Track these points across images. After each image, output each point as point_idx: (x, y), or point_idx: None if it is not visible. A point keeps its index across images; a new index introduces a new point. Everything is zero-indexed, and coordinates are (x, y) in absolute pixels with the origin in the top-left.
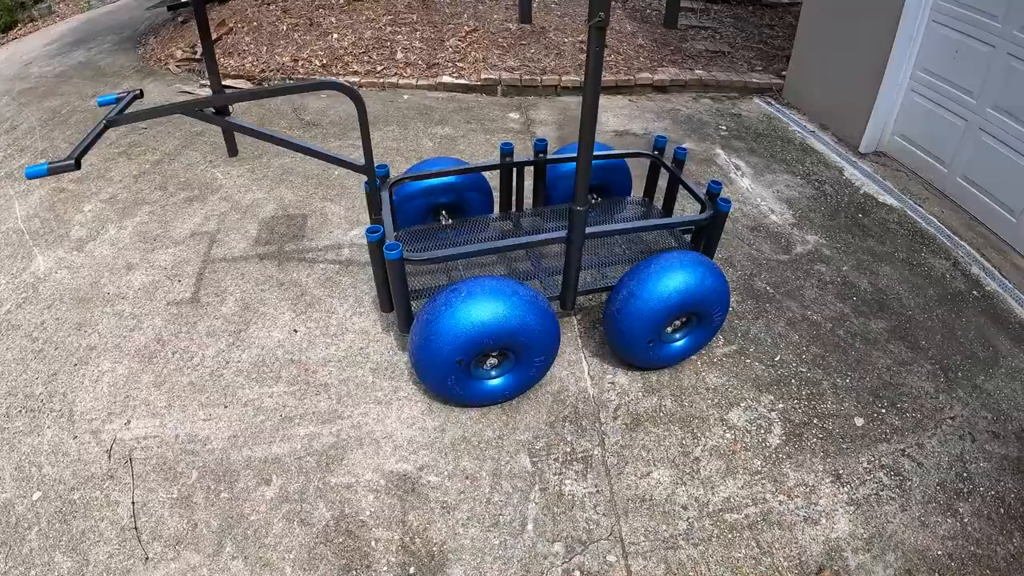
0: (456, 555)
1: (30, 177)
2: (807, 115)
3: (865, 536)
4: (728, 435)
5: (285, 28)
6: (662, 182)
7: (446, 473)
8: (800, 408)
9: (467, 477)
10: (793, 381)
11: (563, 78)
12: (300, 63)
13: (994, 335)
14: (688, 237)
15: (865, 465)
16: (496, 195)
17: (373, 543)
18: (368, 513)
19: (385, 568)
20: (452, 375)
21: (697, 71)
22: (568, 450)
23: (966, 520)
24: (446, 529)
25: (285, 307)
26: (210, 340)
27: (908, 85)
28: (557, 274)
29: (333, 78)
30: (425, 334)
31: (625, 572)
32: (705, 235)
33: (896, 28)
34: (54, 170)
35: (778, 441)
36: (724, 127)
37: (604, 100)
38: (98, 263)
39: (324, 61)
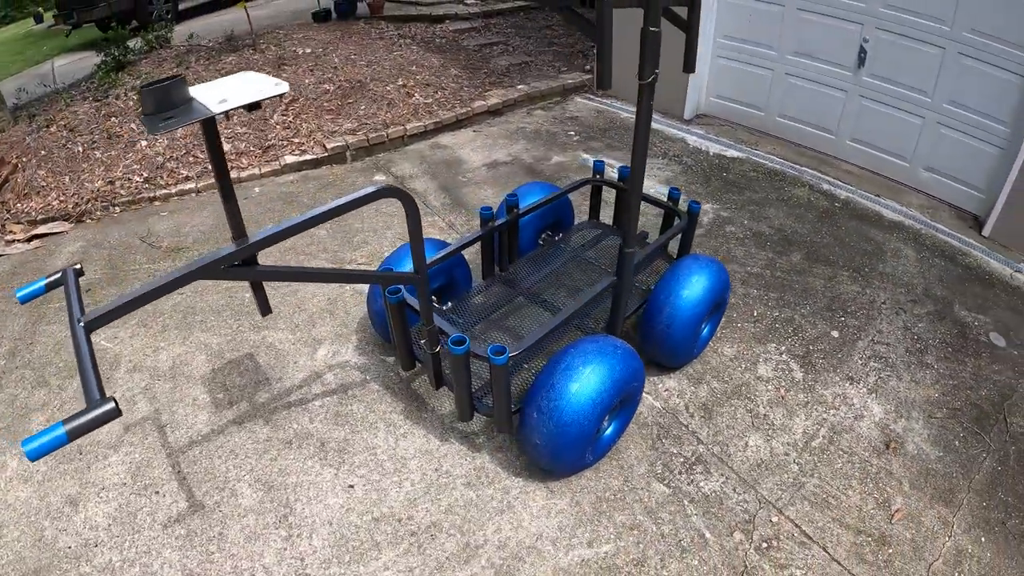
0: None
1: (42, 454)
2: (625, 100)
3: (892, 409)
4: (770, 387)
5: (81, 149)
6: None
7: (613, 536)
8: (795, 343)
9: (631, 528)
10: (777, 326)
11: (407, 126)
12: (118, 184)
13: (867, 231)
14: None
15: (859, 362)
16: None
17: None
18: None
19: None
20: (589, 446)
21: (519, 86)
22: (682, 460)
23: (936, 366)
24: (673, 567)
25: (315, 467)
26: (259, 546)
27: (713, 52)
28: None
29: (382, 183)
30: (557, 421)
31: (788, 522)
32: (683, 237)
33: None
34: (80, 430)
35: (801, 374)
36: (571, 132)
37: (450, 137)
38: (23, 514)
39: (146, 174)
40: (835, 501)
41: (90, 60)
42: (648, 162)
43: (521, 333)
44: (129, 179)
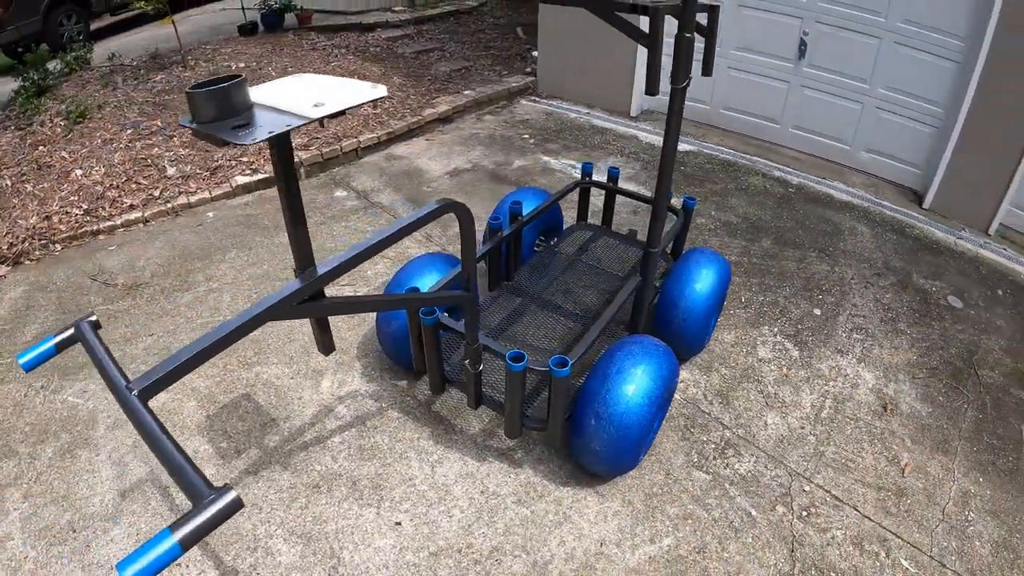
0: (744, 573)
1: (152, 574)
2: (571, 100)
3: (881, 375)
4: (772, 367)
5: (10, 183)
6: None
7: (670, 528)
8: (785, 324)
9: (685, 518)
10: (764, 310)
11: (361, 139)
12: (56, 219)
13: (823, 212)
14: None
15: (843, 336)
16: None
17: None
18: None
19: None
20: (644, 445)
21: (466, 92)
22: (713, 446)
23: (908, 331)
24: (720, 566)
25: (353, 508)
26: None
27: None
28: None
29: (445, 199)
30: (618, 424)
31: (819, 490)
32: (679, 233)
33: None
34: (196, 536)
35: (796, 352)
36: (526, 135)
37: (405, 147)
38: None
39: (86, 206)
40: (853, 464)
41: (2, 87)
42: (606, 160)
43: (548, 344)
44: (67, 212)
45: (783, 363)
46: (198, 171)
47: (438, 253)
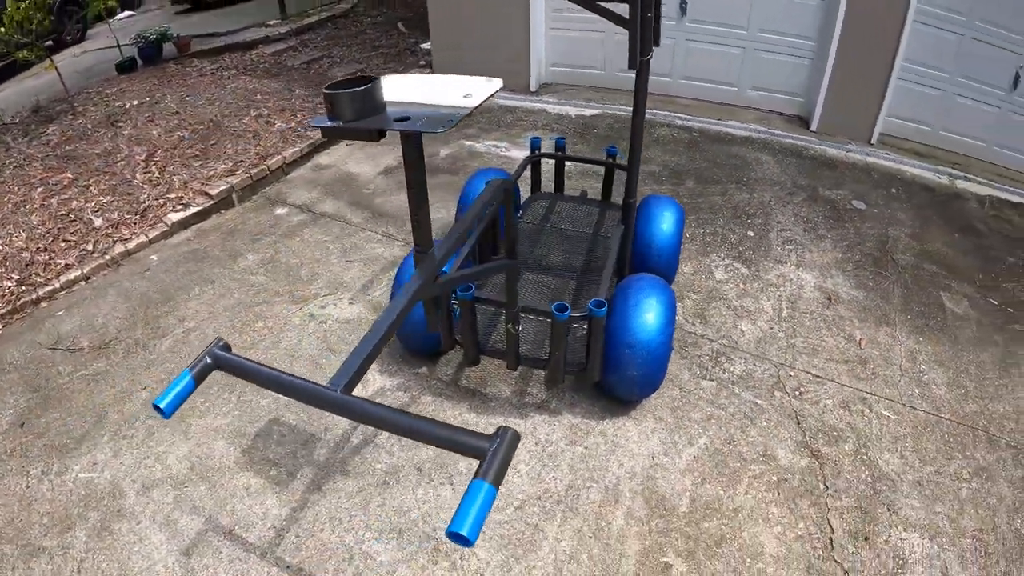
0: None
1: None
2: None
3: (818, 274)
4: (730, 285)
5: None
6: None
7: (700, 431)
8: (728, 249)
9: (708, 419)
10: (708, 239)
11: (285, 154)
12: None
13: (728, 149)
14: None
15: (778, 249)
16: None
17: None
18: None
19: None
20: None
21: None
22: (708, 358)
23: (828, 235)
24: (750, 449)
25: (428, 492)
26: None
27: (547, 25)
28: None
29: (494, 180)
30: (647, 347)
31: (802, 372)
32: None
33: None
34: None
35: (745, 269)
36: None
37: (327, 156)
38: None
39: (17, 275)
40: (820, 347)
41: None
42: (524, 135)
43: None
44: None
45: (738, 280)
46: (127, 216)
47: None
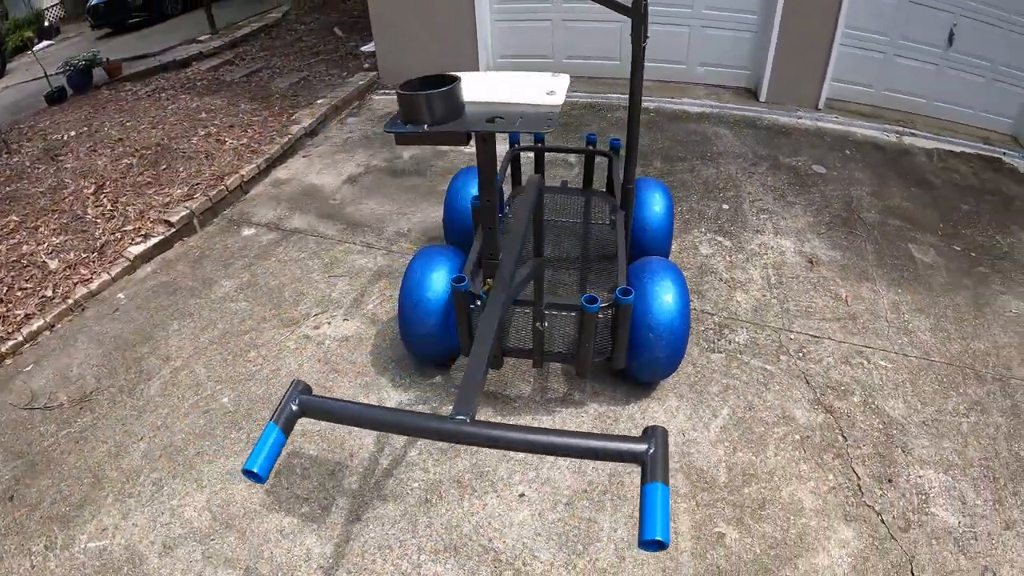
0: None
1: None
2: None
3: (795, 239)
4: (717, 258)
5: None
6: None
7: (720, 402)
8: (708, 223)
9: (726, 391)
10: (687, 216)
11: (243, 172)
12: None
13: (686, 126)
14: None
15: (754, 219)
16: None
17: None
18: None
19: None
20: None
21: (319, 101)
22: (712, 331)
23: (797, 201)
24: (769, 413)
25: (474, 503)
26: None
27: (492, 17)
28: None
29: (530, 176)
30: (670, 328)
31: (800, 335)
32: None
33: None
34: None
35: (728, 242)
36: None
37: (285, 170)
38: None
39: None
40: (812, 309)
41: None
42: None
43: (565, 291)
44: None
45: (724, 253)
46: (84, 255)
47: (452, 248)
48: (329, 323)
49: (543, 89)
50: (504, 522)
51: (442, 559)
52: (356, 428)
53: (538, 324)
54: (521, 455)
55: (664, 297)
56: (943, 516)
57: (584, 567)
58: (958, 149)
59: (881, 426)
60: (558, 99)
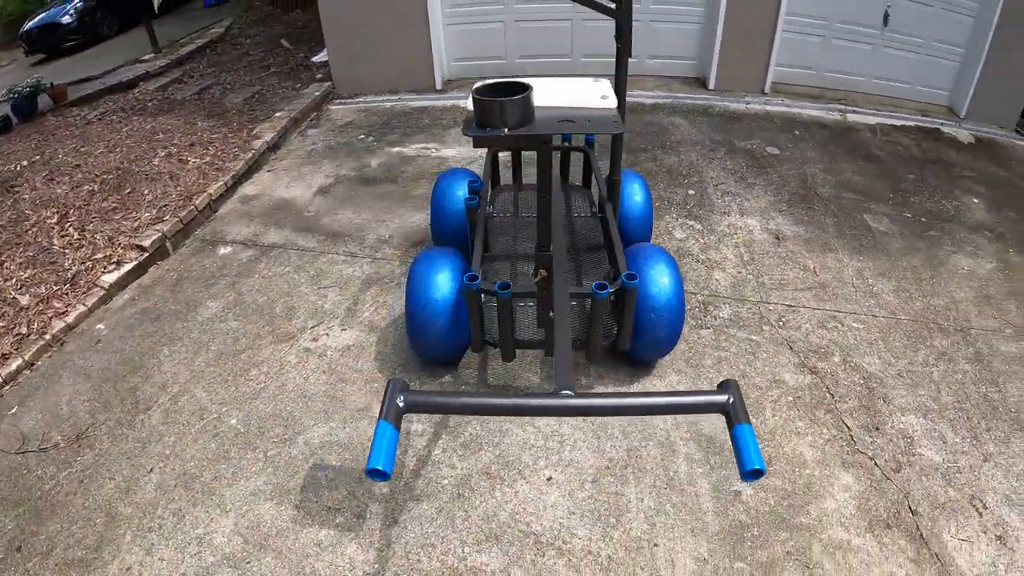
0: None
1: None
2: (375, 92)
3: (760, 217)
4: (691, 241)
5: None
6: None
7: (715, 374)
8: (678, 209)
9: (720, 362)
10: (656, 204)
11: (209, 190)
12: None
13: (644, 118)
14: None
15: (719, 201)
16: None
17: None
18: None
19: None
20: None
21: (278, 114)
22: (698, 309)
23: (757, 182)
24: (762, 378)
25: (506, 491)
26: None
27: (444, 22)
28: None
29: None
30: (668, 307)
31: (779, 305)
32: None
33: None
34: None
35: (699, 225)
36: (360, 135)
37: (252, 186)
38: None
39: None
40: (784, 281)
41: None
42: (447, 133)
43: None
44: None
45: (696, 236)
46: (56, 288)
47: (450, 249)
48: (327, 334)
49: (595, 93)
50: (538, 506)
51: (485, 548)
52: (371, 435)
53: (550, 313)
54: (541, 441)
55: (661, 280)
56: (929, 455)
57: (620, 537)
58: (899, 123)
59: (862, 381)
60: (612, 102)
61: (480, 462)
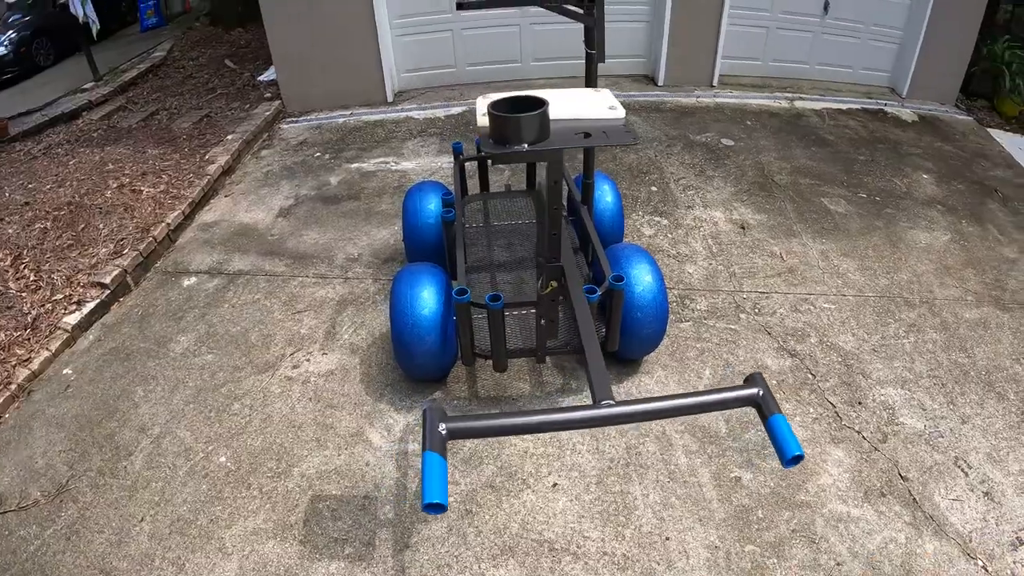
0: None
1: None
2: (327, 109)
3: (724, 208)
4: (660, 237)
5: None
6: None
7: (700, 364)
8: (644, 206)
9: (703, 353)
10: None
11: (167, 220)
12: None
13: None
14: None
15: (682, 196)
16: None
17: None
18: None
19: None
20: None
21: (229, 137)
22: (674, 303)
23: (716, 174)
24: (745, 365)
25: (513, 503)
26: None
27: (392, 33)
28: None
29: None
30: (652, 303)
31: (752, 293)
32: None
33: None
34: None
35: (665, 221)
36: (316, 153)
37: (210, 213)
38: None
39: None
40: (754, 269)
41: None
42: (404, 146)
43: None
44: None
45: (664, 231)
46: (16, 333)
47: (432, 264)
48: (308, 360)
49: (602, 104)
50: (547, 513)
51: (501, 562)
52: (370, 459)
53: (542, 320)
54: (541, 448)
55: (644, 279)
56: (911, 423)
57: (632, 535)
58: (845, 106)
59: (840, 359)
60: (620, 112)
61: (483, 476)
